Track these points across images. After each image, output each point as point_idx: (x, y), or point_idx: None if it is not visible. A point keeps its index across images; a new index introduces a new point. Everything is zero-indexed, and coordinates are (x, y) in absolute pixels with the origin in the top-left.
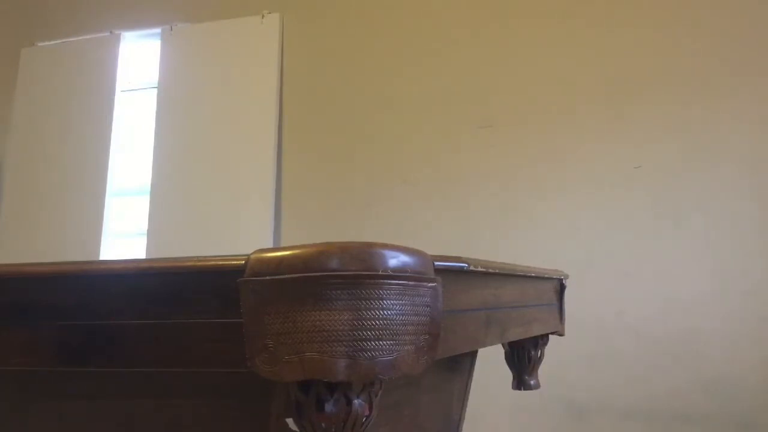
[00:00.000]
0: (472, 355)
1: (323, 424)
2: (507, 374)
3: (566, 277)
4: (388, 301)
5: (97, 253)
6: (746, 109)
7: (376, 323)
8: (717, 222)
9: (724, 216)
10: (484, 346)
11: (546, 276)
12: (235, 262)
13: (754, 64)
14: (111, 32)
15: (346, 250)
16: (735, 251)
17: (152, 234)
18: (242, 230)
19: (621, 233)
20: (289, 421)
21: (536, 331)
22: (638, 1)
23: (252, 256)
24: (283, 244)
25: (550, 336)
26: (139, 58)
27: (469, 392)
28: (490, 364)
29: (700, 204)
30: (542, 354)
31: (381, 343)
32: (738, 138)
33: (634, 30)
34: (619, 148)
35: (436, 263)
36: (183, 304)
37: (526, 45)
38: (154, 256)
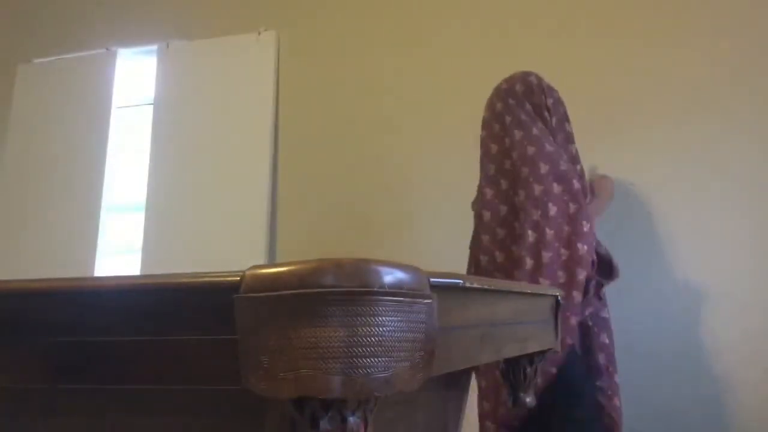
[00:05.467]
0: (468, 372)
1: None
2: None
3: (562, 294)
4: (383, 318)
5: (92, 269)
6: (745, 124)
7: (371, 340)
8: (710, 241)
9: (717, 233)
10: (479, 362)
11: (541, 293)
12: (230, 279)
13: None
14: (107, 49)
15: (341, 266)
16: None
17: (147, 250)
18: (237, 246)
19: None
20: None
21: (532, 348)
22: (632, 15)
23: (247, 273)
24: (278, 261)
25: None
26: (135, 74)
27: (464, 409)
28: None
29: (693, 221)
30: (538, 371)
31: (376, 360)
32: (737, 155)
33: (631, 46)
34: (616, 165)
35: (432, 280)
36: (177, 321)
37: (525, 65)
38: (148, 272)
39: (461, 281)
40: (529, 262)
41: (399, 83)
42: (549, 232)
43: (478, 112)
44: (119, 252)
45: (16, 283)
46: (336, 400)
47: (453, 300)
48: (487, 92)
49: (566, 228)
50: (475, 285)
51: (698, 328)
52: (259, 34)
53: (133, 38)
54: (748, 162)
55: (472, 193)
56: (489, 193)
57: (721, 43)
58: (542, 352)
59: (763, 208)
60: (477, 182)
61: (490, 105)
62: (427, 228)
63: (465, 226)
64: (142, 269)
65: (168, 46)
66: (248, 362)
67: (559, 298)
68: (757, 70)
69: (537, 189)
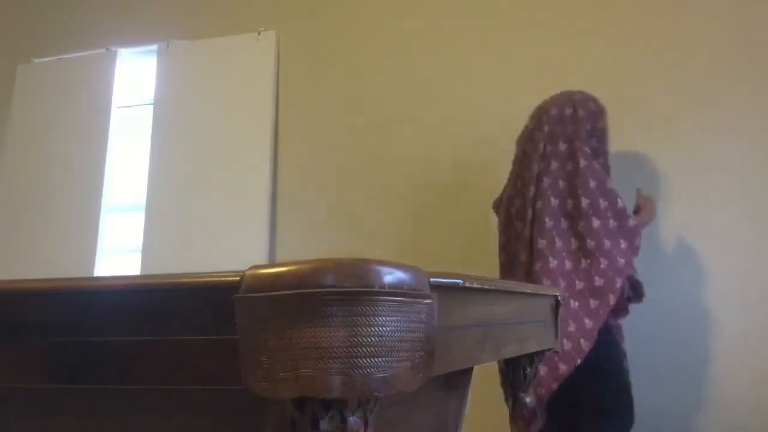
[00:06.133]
0: (468, 372)
1: None
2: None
3: (561, 294)
4: (384, 318)
5: (92, 269)
6: (746, 123)
7: (371, 340)
8: (711, 240)
9: (718, 233)
10: (479, 362)
11: (541, 293)
12: (230, 279)
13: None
14: (107, 49)
15: (341, 266)
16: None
17: (147, 250)
18: (237, 246)
19: None
20: None
21: (532, 347)
22: (633, 15)
23: (247, 273)
24: (278, 260)
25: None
26: (135, 74)
27: (465, 409)
28: (487, 380)
29: (694, 220)
30: (538, 371)
31: (376, 360)
32: (738, 154)
33: (631, 46)
34: (616, 164)
35: (432, 279)
36: (177, 321)
37: (526, 67)
38: (149, 272)
39: (461, 281)
40: (584, 263)
41: (398, 83)
42: (606, 242)
43: (479, 112)
44: (119, 252)
45: (16, 283)
46: (336, 400)
47: (453, 300)
48: (488, 92)
49: (622, 241)
50: (475, 285)
51: (699, 327)
52: (259, 34)
53: (133, 38)
54: (749, 161)
55: (472, 193)
56: (554, 201)
57: (721, 43)
58: (542, 352)
59: (764, 208)
60: (478, 181)
61: (553, 118)
62: (427, 228)
63: (465, 226)
64: (142, 269)
65: (168, 46)
66: (248, 362)
67: (559, 298)
68: (758, 69)
69: (602, 203)
